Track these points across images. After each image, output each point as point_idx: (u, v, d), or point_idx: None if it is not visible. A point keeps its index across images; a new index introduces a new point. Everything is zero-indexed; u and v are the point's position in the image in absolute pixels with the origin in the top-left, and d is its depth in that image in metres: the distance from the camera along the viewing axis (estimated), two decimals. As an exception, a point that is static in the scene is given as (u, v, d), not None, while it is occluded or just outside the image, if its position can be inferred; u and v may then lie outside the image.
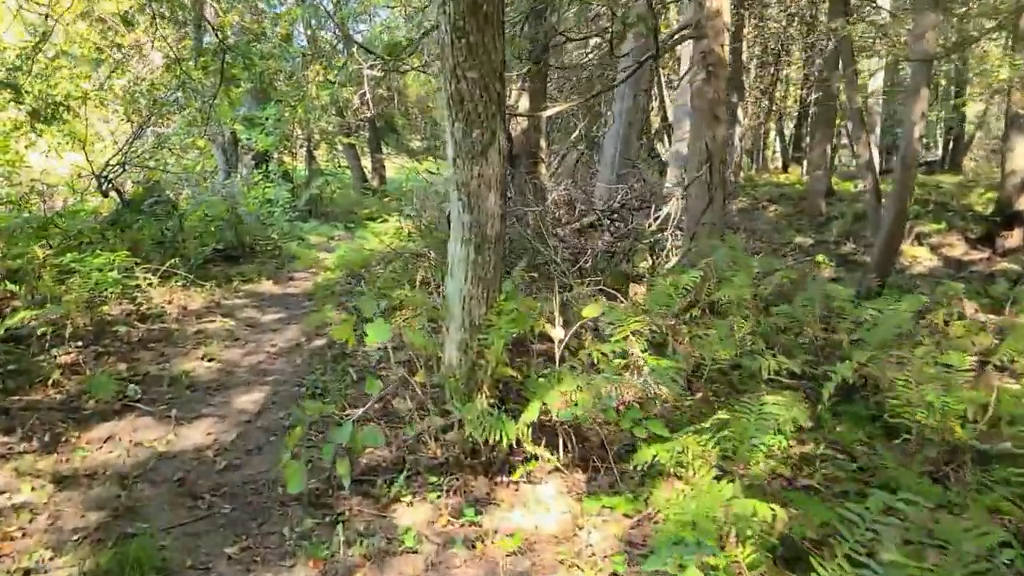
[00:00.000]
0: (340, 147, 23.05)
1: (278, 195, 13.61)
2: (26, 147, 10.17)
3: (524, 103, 10.13)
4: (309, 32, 18.21)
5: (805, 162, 28.54)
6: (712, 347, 5.02)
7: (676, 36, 8.93)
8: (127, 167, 10.36)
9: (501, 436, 3.55)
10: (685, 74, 15.00)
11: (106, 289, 6.63)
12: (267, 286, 9.18)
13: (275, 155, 16.48)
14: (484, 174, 3.98)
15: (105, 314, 6.67)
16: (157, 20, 9.93)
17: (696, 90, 8.76)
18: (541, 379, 4.13)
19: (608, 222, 9.58)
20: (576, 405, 3.66)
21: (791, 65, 28.05)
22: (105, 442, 4.40)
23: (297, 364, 6.12)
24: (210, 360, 6.05)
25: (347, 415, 3.94)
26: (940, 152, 29.14)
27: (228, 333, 6.88)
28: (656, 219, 8.50)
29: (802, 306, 6.37)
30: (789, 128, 32.17)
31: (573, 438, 4.01)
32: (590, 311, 4.27)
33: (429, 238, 8.52)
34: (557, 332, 4.12)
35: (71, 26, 9.65)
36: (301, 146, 17.91)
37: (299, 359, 6.25)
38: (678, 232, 8.69)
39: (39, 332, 5.48)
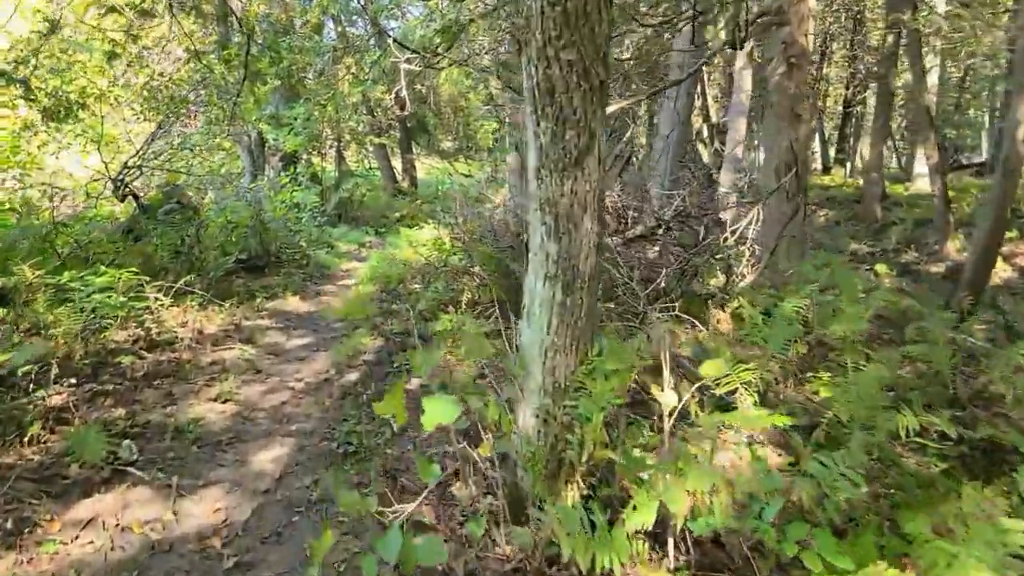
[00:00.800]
0: (370, 148, 22.15)
1: (306, 199, 12.68)
2: (39, 147, 9.32)
3: (576, 100, 9.08)
4: (340, 29, 17.29)
5: (848, 164, 27.20)
6: (845, 400, 3.93)
7: (755, 22, 7.81)
8: (145, 170, 9.45)
9: (605, 558, 2.52)
10: (744, 68, 13.85)
11: (108, 314, 5.68)
12: (293, 303, 8.21)
13: (304, 156, 15.57)
14: (578, 190, 2.93)
15: (109, 341, 5.73)
16: (177, 10, 9.02)
17: (775, 85, 7.66)
18: (646, 458, 3.07)
19: (667, 233, 8.50)
20: (712, 513, 2.61)
21: (835, 63, 26.67)
22: (85, 527, 3.42)
23: (326, 406, 5.12)
24: (225, 401, 5.08)
25: (394, 514, 2.93)
26: (990, 152, 27.54)
27: (248, 364, 5.90)
28: (733, 231, 7.39)
29: (926, 342, 5.24)
30: (828, 128, 30.75)
31: (694, 549, 2.95)
32: (712, 368, 3.20)
33: (475, 252, 7.50)
34: (669, 397, 3.06)
35: (82, 17, 8.77)
36: (330, 147, 16.98)
37: (329, 399, 5.25)
38: (755, 246, 7.59)
39: (21, 371, 4.52)
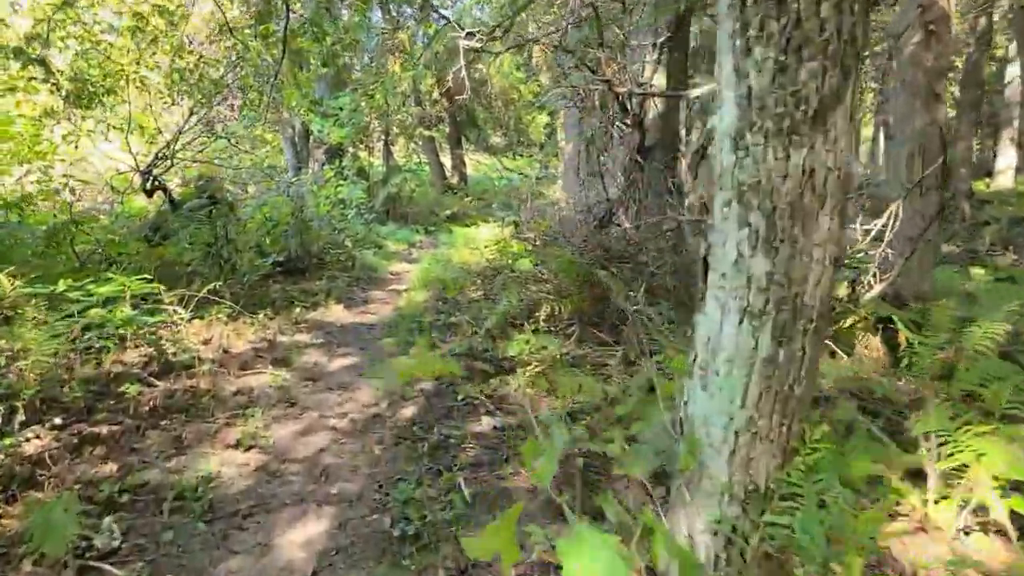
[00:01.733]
0: (419, 142, 21.12)
1: (352, 194, 11.61)
2: (63, 137, 8.38)
3: (660, 80, 7.80)
4: (389, 11, 16.21)
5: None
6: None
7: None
8: (177, 161, 8.44)
9: None
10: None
11: (111, 332, 4.61)
12: (336, 312, 7.09)
13: (350, 150, 14.54)
14: (815, 167, 1.69)
15: (114, 364, 4.66)
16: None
17: (910, 56, 6.29)
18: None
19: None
20: None
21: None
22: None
23: (375, 456, 3.95)
24: (248, 448, 3.94)
25: None
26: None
27: (280, 393, 4.78)
28: (866, 231, 6.03)
29: None
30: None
31: None
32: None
33: (550, 257, 6.28)
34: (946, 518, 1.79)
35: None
36: (378, 140, 15.95)
37: (378, 445, 4.08)
38: (888, 251, 6.22)
39: (-12, 412, 3.45)
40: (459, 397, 4.67)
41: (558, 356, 4.68)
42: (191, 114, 8.08)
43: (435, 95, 21.84)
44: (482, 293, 7.34)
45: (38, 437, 3.67)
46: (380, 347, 5.93)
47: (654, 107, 7.74)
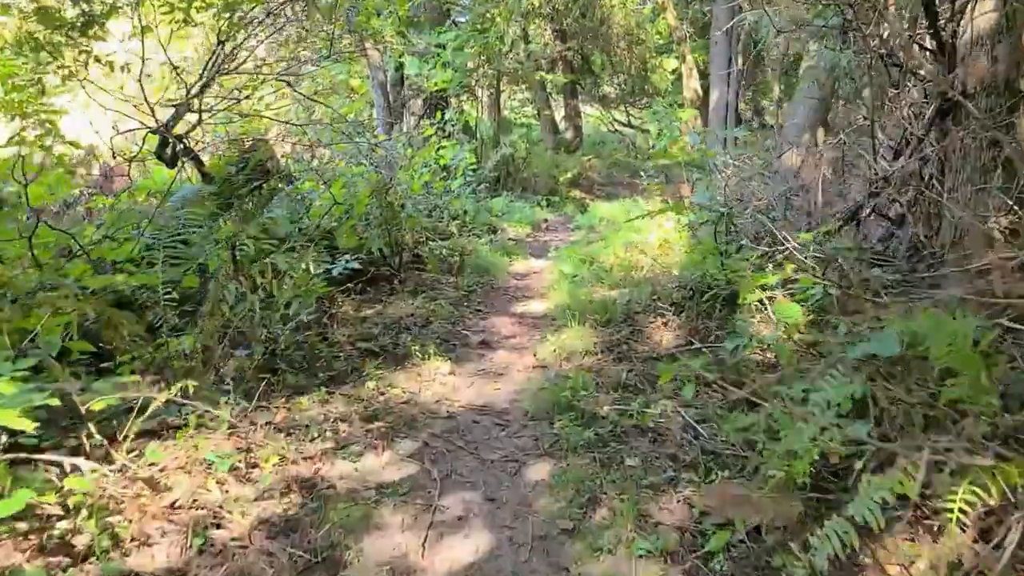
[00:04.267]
0: (529, 91, 17.79)
1: (459, 159, 8.52)
2: (59, 87, 5.61)
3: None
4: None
5: None
6: None
7: None
8: (207, 116, 5.51)
9: None
10: None
11: None
12: (438, 380, 4.00)
13: (453, 100, 11.39)
14: None
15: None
16: None
17: None
18: None
19: None
20: None
21: None
22: None
23: None
24: None
25: None
26: None
27: None
28: None
29: None
30: None
31: None
32: None
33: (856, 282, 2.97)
34: None
35: None
36: (487, 88, 12.71)
37: None
38: None
39: None
40: None
41: None
42: (220, 44, 5.08)
43: (547, 35, 18.35)
44: (686, 338, 4.15)
45: None
46: (527, 496, 2.84)
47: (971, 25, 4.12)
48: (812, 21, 5.78)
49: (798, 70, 15.69)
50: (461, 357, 4.37)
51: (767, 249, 4.53)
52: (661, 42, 20.84)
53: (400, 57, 9.95)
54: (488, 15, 9.94)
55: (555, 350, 4.36)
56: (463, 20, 11.85)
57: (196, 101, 5.40)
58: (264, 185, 5.77)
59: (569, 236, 8.21)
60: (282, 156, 6.78)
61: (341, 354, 4.14)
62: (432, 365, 4.12)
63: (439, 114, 8.73)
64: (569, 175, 13.10)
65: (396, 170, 6.63)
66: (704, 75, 19.87)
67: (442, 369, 4.08)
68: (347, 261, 5.14)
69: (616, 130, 22.03)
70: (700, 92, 19.16)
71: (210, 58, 5.24)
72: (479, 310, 5.38)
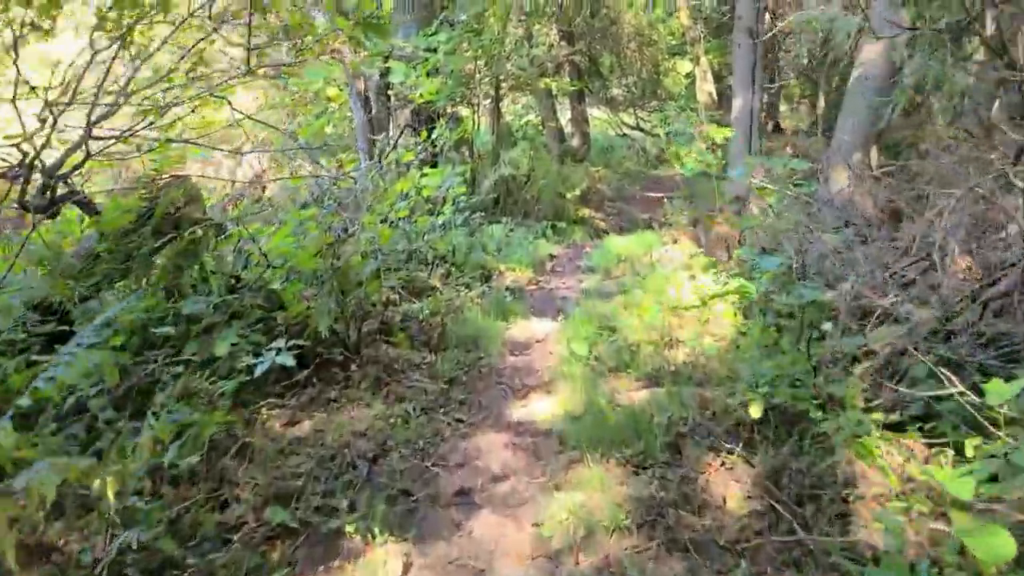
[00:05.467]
0: (533, 96, 16.26)
1: (447, 185, 7.00)
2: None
3: None
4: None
5: None
6: None
7: None
8: (101, 148, 4.01)
9: None
10: None
11: None
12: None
13: (449, 108, 9.84)
14: None
15: None
16: None
17: None
18: None
19: None
20: None
21: None
22: None
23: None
24: None
25: None
26: None
27: None
28: None
29: None
30: None
31: None
32: None
33: None
34: None
35: None
36: (485, 96, 11.16)
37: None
38: None
39: None
40: None
41: None
42: (120, 43, 3.53)
43: (552, 36, 16.80)
44: (765, 501, 2.64)
45: None
46: None
47: None
48: (915, 23, 4.30)
49: (824, 71, 14.13)
50: (425, 531, 2.85)
51: (881, 364, 3.01)
52: (674, 43, 19.26)
53: (384, 62, 8.43)
54: (485, 14, 8.42)
55: (567, 517, 2.86)
56: (462, 19, 10.34)
57: (84, 129, 3.90)
58: (180, 238, 4.27)
59: (580, 281, 6.68)
60: (224, 196, 5.28)
61: (236, 536, 2.64)
62: (376, 557, 2.62)
63: (424, 133, 7.19)
64: (577, 191, 11.58)
65: (364, 210, 5.13)
66: (719, 78, 18.36)
67: (391, 567, 2.58)
68: (277, 353, 3.64)
69: (625, 134, 20.49)
70: (715, 96, 17.63)
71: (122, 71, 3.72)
72: (460, 420, 3.86)
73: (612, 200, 13.05)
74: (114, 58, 3.78)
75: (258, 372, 3.56)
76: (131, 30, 3.65)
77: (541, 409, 3.98)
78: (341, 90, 9.01)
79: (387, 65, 8.36)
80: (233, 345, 3.86)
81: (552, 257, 7.71)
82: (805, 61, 19.08)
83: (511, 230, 8.30)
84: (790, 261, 3.88)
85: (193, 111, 4.01)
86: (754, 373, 3.57)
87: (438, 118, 8.71)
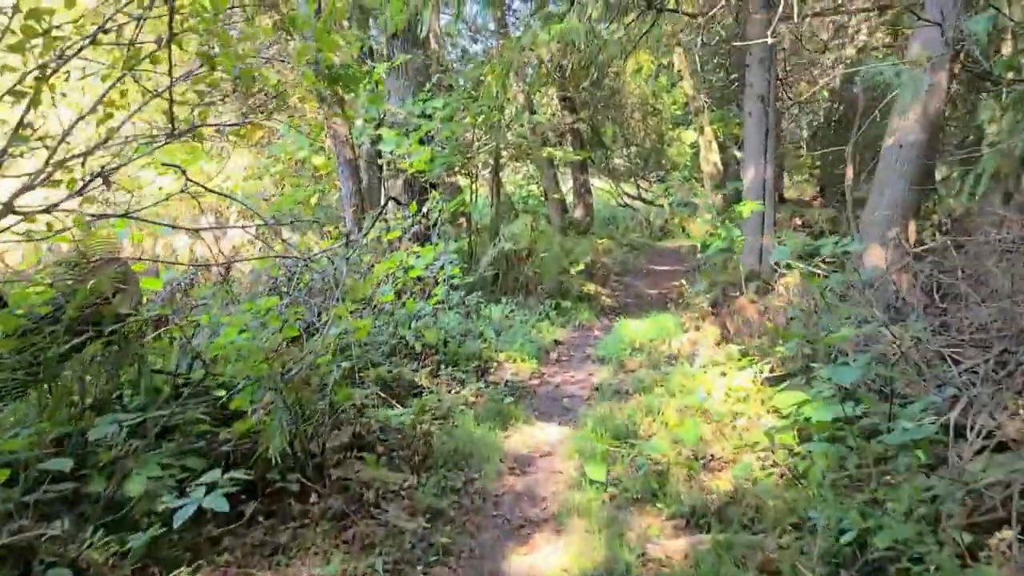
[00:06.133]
0: (534, 165, 15.76)
1: (440, 263, 6.23)
2: None
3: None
4: None
5: None
6: None
7: None
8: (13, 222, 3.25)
9: None
10: None
11: None
12: None
13: (446, 177, 9.18)
14: None
15: None
16: None
17: None
18: None
19: None
20: None
21: None
22: None
23: None
24: None
25: None
26: None
27: None
28: None
29: None
30: None
31: None
32: None
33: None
34: None
35: None
36: (484, 166, 10.55)
37: None
38: None
39: None
40: None
41: None
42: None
43: (554, 105, 16.43)
44: None
45: None
46: None
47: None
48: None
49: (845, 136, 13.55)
50: None
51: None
52: (678, 113, 18.90)
53: (376, 128, 7.81)
54: (482, 78, 7.85)
55: None
56: (461, 84, 9.82)
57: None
58: (103, 334, 3.44)
59: (590, 374, 5.82)
60: (172, 281, 4.50)
61: None
62: None
63: (413, 205, 6.48)
64: (581, 265, 10.83)
65: (337, 297, 4.31)
66: (723, 148, 17.92)
67: None
68: (207, 492, 2.78)
69: (627, 204, 19.98)
70: (720, 166, 17.14)
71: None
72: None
73: (618, 274, 12.31)
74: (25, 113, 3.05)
75: (176, 523, 2.69)
76: (44, 80, 2.93)
77: (548, 563, 3.07)
78: (330, 158, 8.36)
79: (378, 132, 7.74)
80: (154, 479, 3.00)
81: (557, 343, 6.86)
82: (804, 133, 18.79)
83: (511, 311, 7.49)
84: (869, 370, 3.04)
85: (108, 186, 3.24)
86: (828, 518, 2.70)
87: (433, 188, 8.03)
